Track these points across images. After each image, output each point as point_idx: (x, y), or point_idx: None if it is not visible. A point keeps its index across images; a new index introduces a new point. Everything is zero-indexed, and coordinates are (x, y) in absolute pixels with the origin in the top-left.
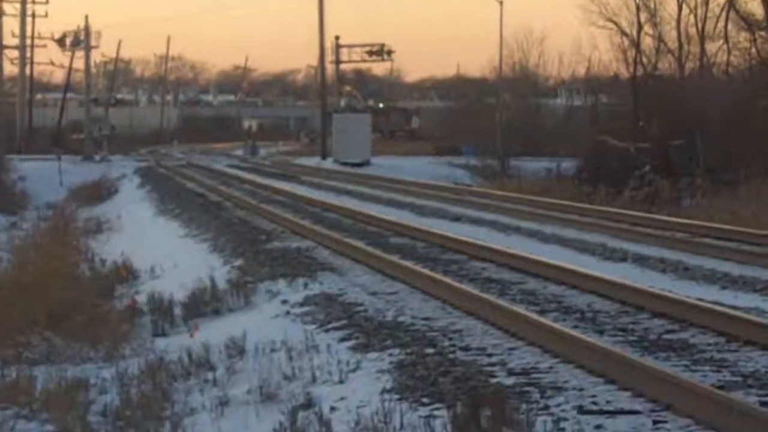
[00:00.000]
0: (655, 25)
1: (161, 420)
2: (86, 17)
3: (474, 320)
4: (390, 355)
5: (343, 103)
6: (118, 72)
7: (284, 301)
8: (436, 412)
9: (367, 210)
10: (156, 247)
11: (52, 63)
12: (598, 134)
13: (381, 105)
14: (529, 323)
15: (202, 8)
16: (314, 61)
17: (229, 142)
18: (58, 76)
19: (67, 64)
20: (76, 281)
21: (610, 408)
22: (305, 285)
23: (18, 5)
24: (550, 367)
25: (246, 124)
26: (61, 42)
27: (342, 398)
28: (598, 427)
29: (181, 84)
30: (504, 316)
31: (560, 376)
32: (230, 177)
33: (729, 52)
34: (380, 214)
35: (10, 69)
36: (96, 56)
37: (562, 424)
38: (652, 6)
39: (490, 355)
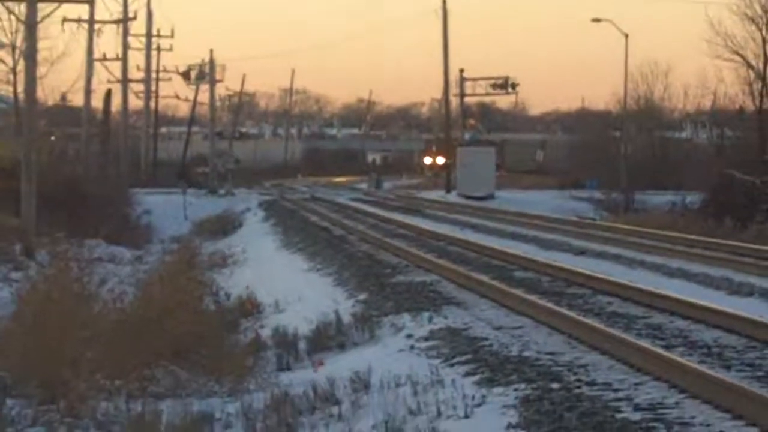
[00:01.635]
0: None
1: None
2: (211, 51)
3: (599, 355)
4: (515, 389)
5: (467, 136)
6: (243, 105)
7: (409, 335)
8: None
9: (492, 243)
10: (280, 281)
11: (177, 96)
12: (723, 167)
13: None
14: (656, 358)
15: (326, 41)
16: (438, 94)
17: (353, 176)
18: (183, 110)
19: (191, 97)
20: (201, 315)
21: None
22: (430, 319)
23: (143, 39)
24: (677, 403)
25: (370, 157)
26: (185, 75)
27: None
28: None
29: (305, 117)
30: (630, 350)
31: (687, 411)
32: (354, 210)
33: None
34: (504, 248)
35: (136, 102)
36: (220, 90)
37: None
38: None
39: (616, 390)
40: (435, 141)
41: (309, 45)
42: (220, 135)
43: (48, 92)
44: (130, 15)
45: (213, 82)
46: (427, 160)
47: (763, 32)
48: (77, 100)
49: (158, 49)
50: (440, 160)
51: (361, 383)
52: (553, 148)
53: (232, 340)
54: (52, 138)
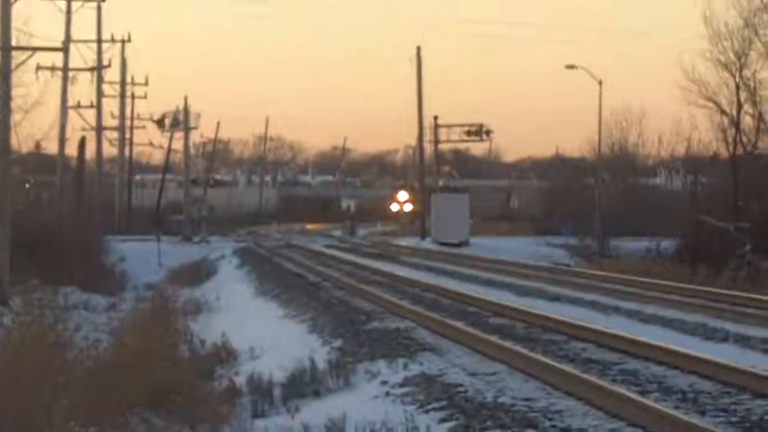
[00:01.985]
0: (755, 103)
1: None
2: (185, 98)
3: (574, 401)
4: None
5: (441, 182)
6: (217, 153)
7: (384, 382)
8: None
9: (467, 290)
10: (255, 328)
11: (151, 144)
12: (697, 214)
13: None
14: (631, 404)
15: (299, 90)
16: (412, 141)
17: (328, 223)
18: (157, 157)
19: (165, 144)
20: (176, 362)
21: None
22: (405, 366)
23: (117, 87)
24: None
25: (344, 204)
26: (160, 123)
27: None
28: None
29: (280, 164)
30: (605, 396)
31: None
32: (329, 257)
33: None
34: (479, 295)
35: (110, 150)
36: (195, 137)
37: None
38: (752, 85)
39: None
40: (401, 187)
41: (283, 93)
42: (195, 182)
43: (22, 140)
44: (105, 63)
45: (187, 130)
46: (394, 207)
47: (737, 78)
48: (51, 147)
49: (132, 96)
50: (407, 207)
51: (336, 430)
52: (527, 194)
53: (207, 388)
54: (27, 186)
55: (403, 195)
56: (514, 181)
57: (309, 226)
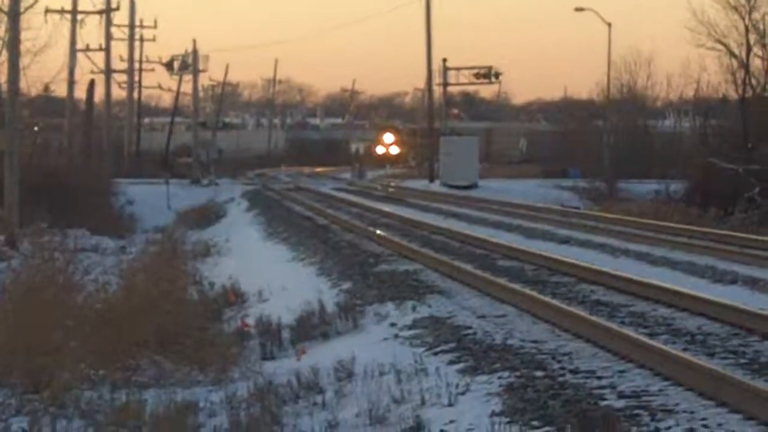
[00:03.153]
0: (764, 46)
1: None
2: (194, 41)
3: (583, 343)
4: (499, 377)
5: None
6: (226, 96)
7: (393, 324)
8: None
9: (475, 233)
10: (264, 271)
11: (160, 87)
12: (706, 156)
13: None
14: (639, 346)
15: (308, 32)
16: (421, 84)
17: (337, 166)
18: (166, 100)
19: (174, 88)
20: (185, 305)
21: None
22: (413, 308)
23: (126, 30)
24: (660, 390)
25: (353, 147)
26: (168, 66)
27: (451, 421)
28: None
29: (289, 107)
30: (613, 338)
31: (670, 399)
32: (337, 200)
33: None
34: (488, 237)
35: (118, 93)
36: (204, 80)
37: None
38: (762, 27)
39: (599, 378)
40: (387, 128)
41: (292, 35)
42: (204, 125)
43: (31, 83)
44: (113, 6)
45: (196, 73)
46: (380, 150)
47: (746, 21)
48: (60, 91)
49: (141, 39)
50: (394, 150)
51: (344, 372)
52: (536, 137)
53: (215, 330)
54: (36, 129)
55: (388, 137)
56: (523, 124)
57: (318, 169)
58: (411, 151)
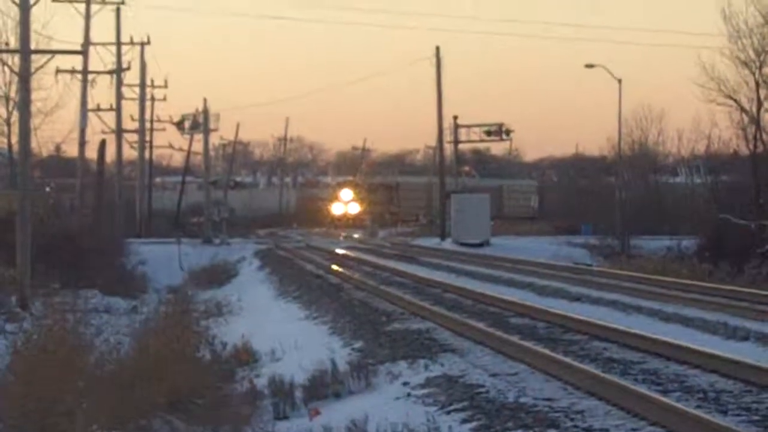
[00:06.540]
0: None
1: None
2: (204, 100)
3: (596, 401)
4: None
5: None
6: (237, 154)
7: (405, 383)
8: None
9: (487, 290)
10: (276, 330)
11: (171, 146)
12: (718, 212)
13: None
14: (652, 403)
15: (319, 89)
16: (432, 142)
17: (347, 225)
18: (177, 160)
19: (185, 147)
20: (197, 365)
21: None
22: (426, 367)
23: (137, 89)
24: None
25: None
26: (179, 125)
27: None
28: None
29: (300, 166)
30: (626, 396)
31: None
32: (349, 259)
33: None
34: (500, 295)
35: (130, 153)
36: (215, 139)
37: None
38: None
39: None
40: (345, 184)
41: (303, 93)
42: (215, 184)
43: (42, 143)
44: (124, 65)
45: (207, 132)
46: (337, 208)
47: (756, 76)
48: (71, 151)
49: (152, 99)
50: (353, 208)
51: None
52: (548, 193)
53: (228, 390)
54: (47, 189)
55: (347, 194)
56: (535, 180)
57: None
58: (377, 207)
